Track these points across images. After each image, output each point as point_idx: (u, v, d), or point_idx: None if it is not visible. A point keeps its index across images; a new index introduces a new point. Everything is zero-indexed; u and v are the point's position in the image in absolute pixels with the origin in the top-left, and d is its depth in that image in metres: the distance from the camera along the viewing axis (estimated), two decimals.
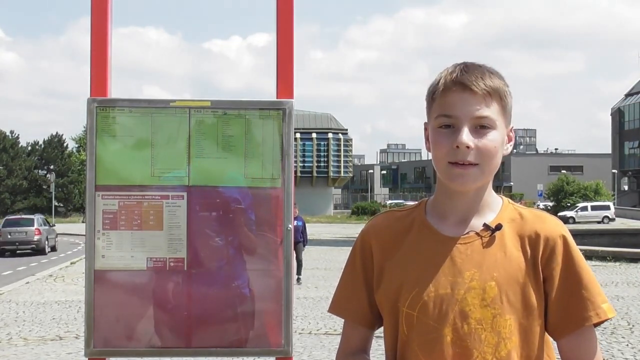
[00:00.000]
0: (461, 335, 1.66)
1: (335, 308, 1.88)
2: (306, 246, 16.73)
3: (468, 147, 1.65)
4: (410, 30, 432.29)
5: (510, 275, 1.68)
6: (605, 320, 1.70)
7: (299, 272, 15.84)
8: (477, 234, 1.72)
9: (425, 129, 1.78)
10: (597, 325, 1.71)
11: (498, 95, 1.71)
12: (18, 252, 28.79)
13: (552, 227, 1.72)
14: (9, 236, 28.87)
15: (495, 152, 1.69)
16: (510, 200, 1.80)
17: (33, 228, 28.92)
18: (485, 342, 1.65)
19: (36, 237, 28.74)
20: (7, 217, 33.18)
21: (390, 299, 1.74)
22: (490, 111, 1.69)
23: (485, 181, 1.72)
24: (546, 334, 1.73)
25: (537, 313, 1.68)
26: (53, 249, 30.44)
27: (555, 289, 1.69)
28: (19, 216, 33.62)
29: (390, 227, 1.81)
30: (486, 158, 1.68)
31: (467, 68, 1.71)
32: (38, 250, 28.84)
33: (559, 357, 1.76)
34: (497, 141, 1.69)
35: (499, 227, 1.71)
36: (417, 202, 1.85)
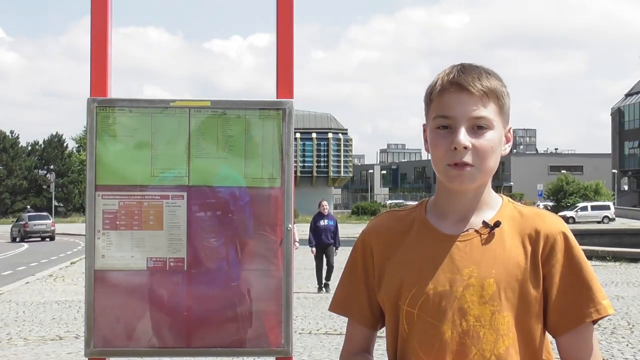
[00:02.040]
0: (460, 332, 1.67)
1: (336, 306, 1.89)
2: (338, 248, 14.60)
3: (465, 147, 1.67)
4: (411, 30, 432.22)
5: (509, 273, 1.68)
6: (605, 316, 1.71)
7: (328, 278, 14.21)
8: (476, 231, 1.73)
9: (424, 131, 1.79)
10: (595, 322, 1.72)
11: (495, 96, 1.72)
12: (38, 238, 39.44)
13: (553, 224, 1.73)
14: (34, 227, 39.92)
15: (492, 152, 1.70)
16: (510, 199, 1.81)
17: (50, 221, 41.00)
18: (484, 339, 1.66)
19: (51, 228, 40.45)
20: (28, 214, 43.51)
21: (391, 298, 1.75)
22: (487, 111, 1.70)
23: (483, 180, 1.73)
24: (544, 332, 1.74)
25: (535, 310, 1.69)
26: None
27: (556, 286, 1.70)
28: (36, 213, 45.48)
29: (391, 227, 1.82)
30: (483, 158, 1.69)
31: (464, 69, 1.73)
32: (51, 238, 39.86)
33: (557, 355, 1.76)
34: (494, 141, 1.70)
35: (497, 224, 1.72)
36: (418, 202, 1.87)
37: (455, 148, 1.67)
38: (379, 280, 1.79)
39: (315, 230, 14.46)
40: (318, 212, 14.64)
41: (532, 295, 1.68)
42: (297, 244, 13.97)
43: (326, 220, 14.46)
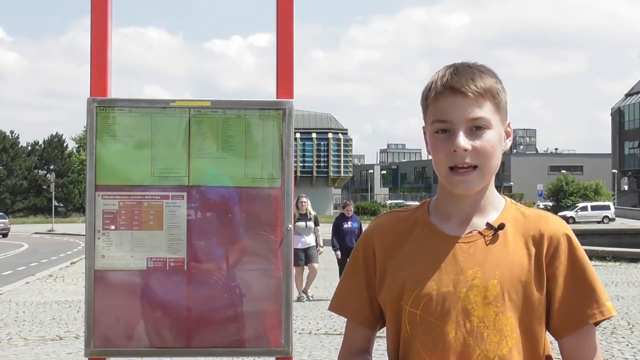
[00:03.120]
0: (464, 333, 1.67)
1: (335, 306, 1.89)
2: None
3: (465, 150, 1.67)
4: (411, 30, 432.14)
5: (513, 274, 1.68)
6: (608, 318, 1.72)
7: None
8: (480, 233, 1.73)
9: (425, 133, 1.79)
10: (597, 323, 1.72)
11: (490, 94, 1.72)
12: None
13: (556, 226, 1.73)
14: None
15: (493, 151, 1.71)
16: (513, 201, 1.81)
17: (6, 220, 46.37)
18: (488, 340, 1.66)
19: (8, 226, 45.70)
20: None
21: (393, 298, 1.75)
22: (484, 111, 1.70)
23: (486, 182, 1.74)
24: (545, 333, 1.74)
25: (538, 312, 1.69)
26: None
27: (559, 287, 1.70)
28: None
29: (393, 227, 1.82)
30: (484, 158, 1.69)
31: (457, 71, 1.72)
32: (4, 235, 44.05)
33: (559, 356, 1.76)
34: (493, 140, 1.71)
35: (501, 226, 1.72)
36: (420, 203, 1.86)
37: (455, 151, 1.67)
38: (380, 281, 1.79)
39: (337, 233, 13.61)
40: (341, 213, 13.89)
41: (535, 297, 1.68)
42: (321, 248, 13.38)
43: (350, 223, 13.61)
